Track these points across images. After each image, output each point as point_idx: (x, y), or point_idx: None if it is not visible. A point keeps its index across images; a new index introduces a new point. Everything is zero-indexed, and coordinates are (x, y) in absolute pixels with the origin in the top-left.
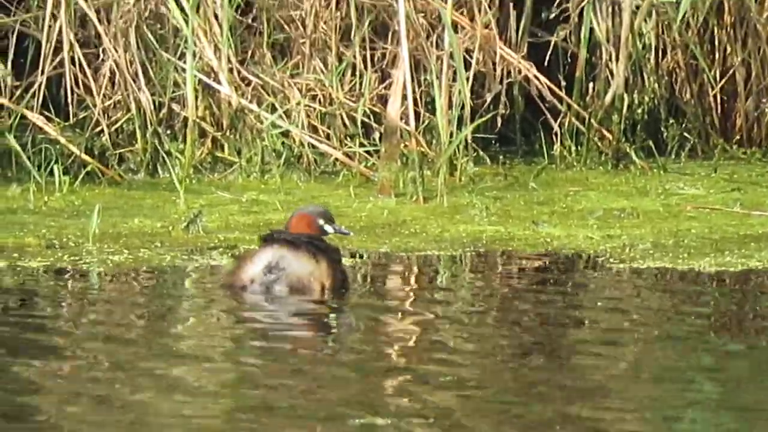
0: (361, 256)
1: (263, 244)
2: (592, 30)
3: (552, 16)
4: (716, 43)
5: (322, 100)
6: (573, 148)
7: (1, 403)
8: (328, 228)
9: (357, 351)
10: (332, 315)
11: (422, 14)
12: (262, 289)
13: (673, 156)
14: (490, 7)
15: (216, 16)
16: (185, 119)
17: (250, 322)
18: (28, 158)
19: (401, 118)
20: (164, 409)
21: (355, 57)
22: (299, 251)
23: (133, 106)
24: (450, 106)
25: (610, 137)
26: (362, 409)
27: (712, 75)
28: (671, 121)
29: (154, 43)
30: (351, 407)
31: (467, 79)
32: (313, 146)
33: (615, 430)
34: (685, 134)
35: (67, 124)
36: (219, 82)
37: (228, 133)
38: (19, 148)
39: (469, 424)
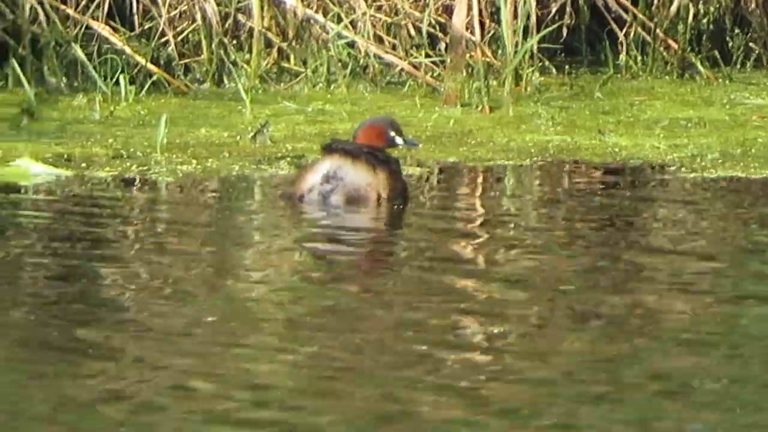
0: (427, 167)
1: (323, 154)
2: None
3: None
4: None
5: (387, 10)
6: (638, 58)
7: (71, 312)
8: (398, 139)
9: (417, 267)
10: (389, 226)
11: None
12: (319, 198)
13: (738, 66)
14: None
15: None
16: (251, 30)
17: (309, 232)
18: (94, 68)
19: (466, 28)
20: (229, 320)
21: None
22: (358, 162)
23: (198, 16)
24: (515, 17)
25: (676, 47)
26: (422, 327)
27: None
28: (736, 31)
29: None
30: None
31: None
32: (379, 57)
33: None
34: (750, 44)
35: (132, 34)
36: None
37: (294, 44)
38: (85, 59)
39: (542, 340)
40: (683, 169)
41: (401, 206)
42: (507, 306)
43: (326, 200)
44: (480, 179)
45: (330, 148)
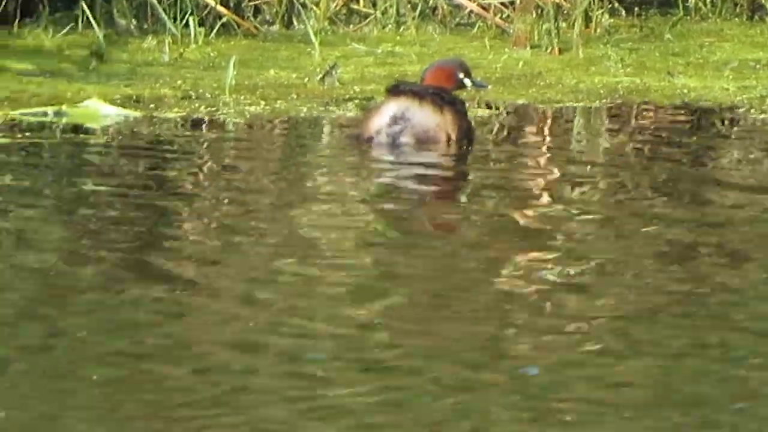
0: (496, 108)
1: (389, 96)
2: None
3: None
4: None
5: None
6: (708, 0)
7: (140, 251)
8: (467, 81)
9: (492, 206)
10: (460, 166)
11: None
12: (387, 140)
13: None
14: None
15: None
16: None
17: (377, 173)
18: (164, 10)
19: None
20: (301, 253)
21: None
22: (424, 103)
23: None
24: None
25: None
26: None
27: None
28: None
29: None
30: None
31: None
32: None
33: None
34: None
35: None
36: None
37: None
38: (154, 0)
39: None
40: (752, 110)
41: (468, 147)
42: (586, 243)
43: (395, 142)
44: (549, 121)
45: (396, 90)
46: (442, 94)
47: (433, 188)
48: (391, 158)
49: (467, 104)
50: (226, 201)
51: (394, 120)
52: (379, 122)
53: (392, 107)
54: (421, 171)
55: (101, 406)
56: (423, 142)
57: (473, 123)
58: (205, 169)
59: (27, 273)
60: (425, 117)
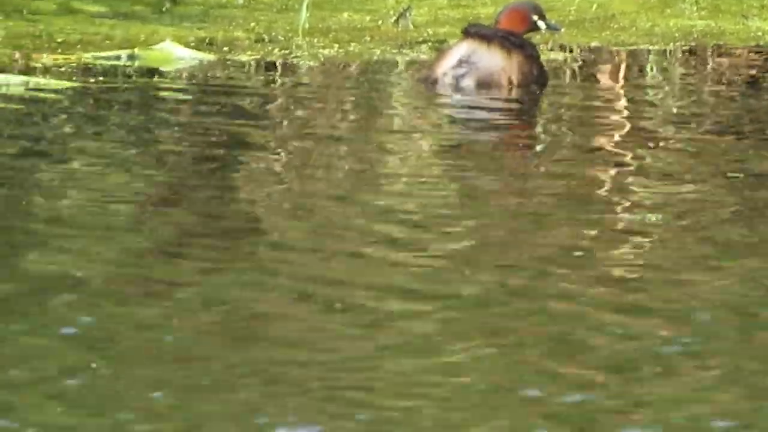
0: (570, 51)
1: (461, 39)
2: None
3: None
4: None
5: None
6: None
7: (213, 191)
8: (540, 23)
9: (551, 155)
10: (523, 112)
11: None
12: (452, 82)
13: None
14: None
15: None
16: None
17: (443, 118)
18: None
19: None
20: (366, 202)
21: None
22: (492, 46)
23: None
24: None
25: None
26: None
27: None
28: None
29: None
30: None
31: None
32: None
33: None
34: None
35: None
36: None
37: None
38: None
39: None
40: None
41: (538, 91)
42: (658, 197)
43: (458, 84)
44: (623, 64)
45: (467, 32)
46: (512, 37)
47: (489, 136)
48: (453, 101)
49: (540, 47)
50: (296, 145)
51: (460, 63)
52: (446, 65)
53: (460, 50)
54: (479, 117)
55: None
56: (485, 85)
57: (545, 66)
58: (278, 113)
59: (102, 224)
60: (491, 60)
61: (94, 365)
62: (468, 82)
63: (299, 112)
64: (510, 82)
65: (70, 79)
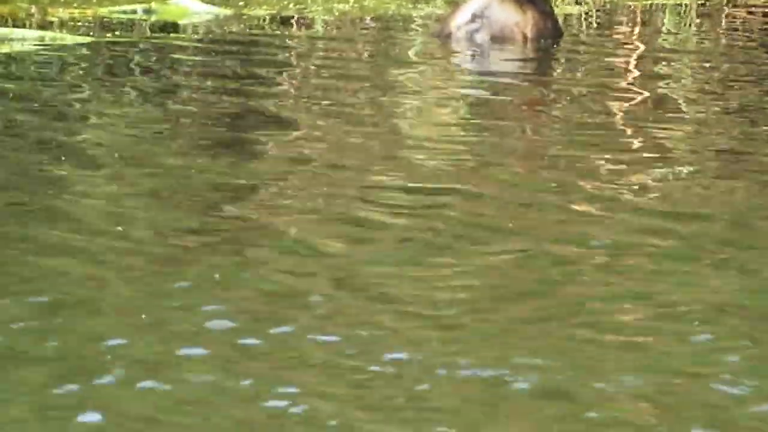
0: (585, 4)
1: None
2: None
3: None
4: None
5: None
6: None
7: (227, 146)
8: None
9: (562, 109)
10: (537, 66)
11: None
12: (466, 36)
13: None
14: None
15: None
16: None
17: (459, 73)
18: None
19: None
20: (391, 165)
21: None
22: (505, 1)
23: None
24: None
25: None
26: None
27: None
28: None
29: None
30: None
31: None
32: None
33: None
34: None
35: None
36: None
37: None
38: None
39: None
40: None
41: (553, 45)
42: (671, 148)
43: (471, 39)
44: (638, 18)
45: None
46: None
47: (500, 91)
48: (467, 55)
49: (555, 1)
50: (315, 100)
51: (474, 17)
52: (460, 19)
53: (474, 4)
54: (492, 71)
55: None
56: (499, 40)
57: (560, 21)
58: (294, 67)
59: (118, 174)
60: (504, 15)
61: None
62: (482, 37)
63: (314, 66)
64: (524, 37)
65: (86, 34)
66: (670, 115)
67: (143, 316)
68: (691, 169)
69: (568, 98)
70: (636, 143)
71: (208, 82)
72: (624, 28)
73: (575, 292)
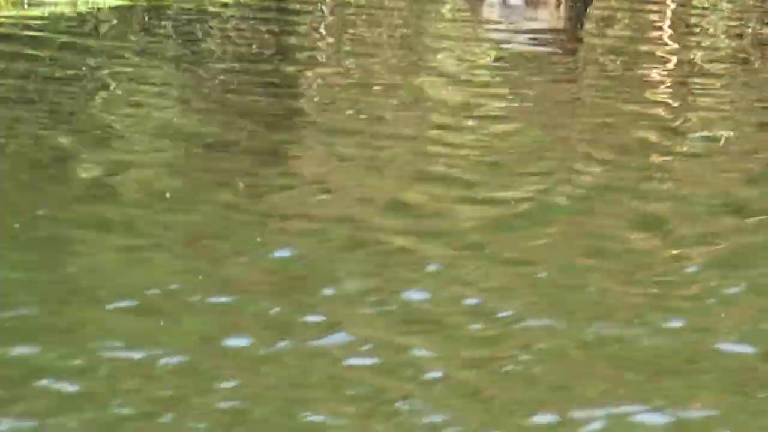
0: None
1: None
2: None
3: None
4: None
5: None
6: None
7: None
8: None
9: (603, 68)
10: (573, 28)
11: None
12: (500, 1)
13: None
14: None
15: None
16: None
17: (492, 37)
18: None
19: None
20: (409, 123)
21: None
22: None
23: None
24: None
25: None
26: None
27: None
28: None
29: None
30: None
31: None
32: None
33: None
34: None
35: None
36: None
37: None
38: None
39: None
40: None
41: (586, 9)
42: (708, 121)
43: (506, 2)
44: None
45: None
46: None
47: (536, 48)
48: (501, 18)
49: None
50: (348, 63)
51: None
52: None
53: None
54: (530, 30)
55: None
56: (533, 3)
57: None
58: (327, 29)
59: (149, 144)
60: None
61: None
62: (515, 0)
63: (348, 30)
64: (557, 0)
65: None
66: (698, 78)
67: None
68: (711, 143)
69: (601, 59)
70: (656, 115)
71: (241, 49)
72: None
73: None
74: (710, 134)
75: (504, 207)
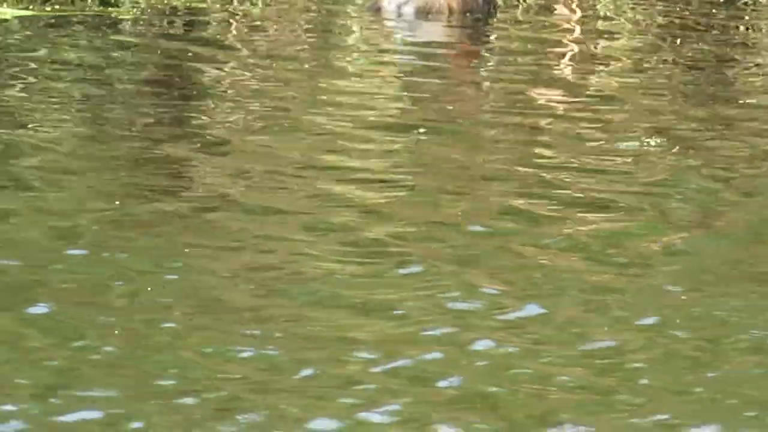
0: None
1: None
2: None
3: None
4: None
5: None
6: None
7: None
8: None
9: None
10: (470, 37)
11: None
12: (395, 10)
13: None
14: None
15: None
16: None
17: (392, 41)
18: None
19: None
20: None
21: None
22: None
23: None
24: None
25: None
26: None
27: None
28: None
29: None
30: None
31: None
32: None
33: None
34: None
35: None
36: None
37: None
38: None
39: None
40: None
41: (485, 19)
42: (599, 119)
43: (400, 11)
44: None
45: None
46: None
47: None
48: (396, 27)
49: None
50: (255, 69)
51: None
52: None
53: None
54: (418, 42)
55: None
56: (425, 13)
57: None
58: (234, 37)
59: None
60: None
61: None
62: (408, 10)
63: (255, 37)
64: (450, 10)
65: (26, 8)
66: (600, 88)
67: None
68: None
69: (494, 76)
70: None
71: (149, 52)
72: (563, 3)
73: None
74: (610, 147)
75: (421, 226)
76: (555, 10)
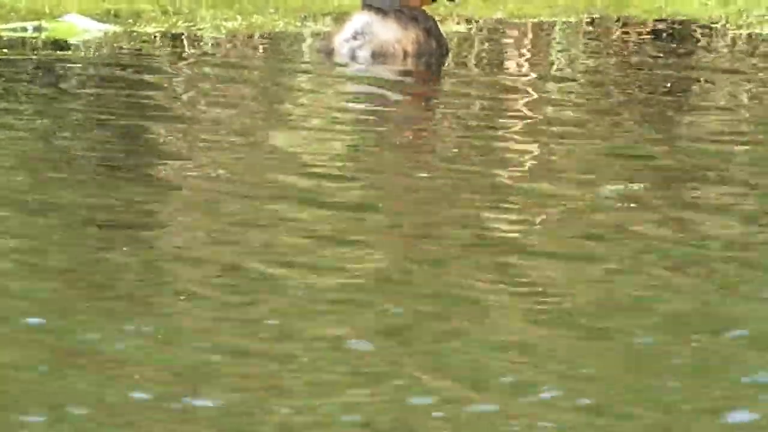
0: (475, 22)
1: (358, 10)
2: None
3: None
4: None
5: None
6: None
7: (122, 165)
8: None
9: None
10: (422, 82)
11: None
12: (348, 53)
13: None
14: None
15: None
16: None
17: (347, 90)
18: None
19: None
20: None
21: None
22: (387, 19)
23: None
24: None
25: None
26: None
27: None
28: None
29: None
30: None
31: None
32: None
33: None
34: None
35: None
36: None
37: None
38: None
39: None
40: (728, 25)
41: (437, 63)
42: (554, 162)
43: (354, 55)
44: (527, 35)
45: (365, 4)
46: (408, 10)
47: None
48: (350, 71)
49: (445, 20)
50: (204, 119)
51: (355, 34)
52: (342, 36)
53: (355, 22)
54: (377, 85)
55: None
56: (380, 56)
57: (445, 38)
58: (184, 85)
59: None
60: (385, 33)
61: None
62: (363, 53)
63: (205, 84)
64: (405, 54)
65: None
66: (556, 130)
67: None
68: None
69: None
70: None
71: (98, 100)
72: (513, 45)
73: None
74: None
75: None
76: (505, 53)
